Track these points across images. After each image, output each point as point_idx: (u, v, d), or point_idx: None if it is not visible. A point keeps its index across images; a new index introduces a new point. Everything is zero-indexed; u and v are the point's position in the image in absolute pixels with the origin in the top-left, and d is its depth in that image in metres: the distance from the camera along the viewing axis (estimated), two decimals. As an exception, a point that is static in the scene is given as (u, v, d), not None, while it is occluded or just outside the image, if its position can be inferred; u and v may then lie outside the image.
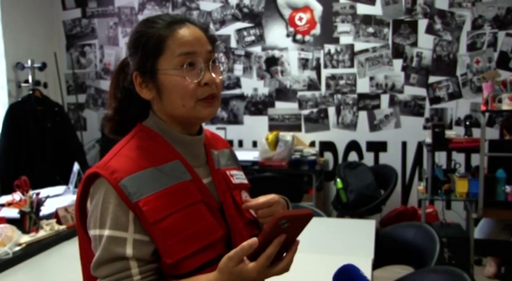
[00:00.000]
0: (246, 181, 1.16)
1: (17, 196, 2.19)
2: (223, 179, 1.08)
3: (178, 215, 0.93)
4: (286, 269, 0.90)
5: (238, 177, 1.13)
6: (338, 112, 4.57)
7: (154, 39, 0.97)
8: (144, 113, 1.05)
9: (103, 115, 1.11)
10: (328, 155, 4.65)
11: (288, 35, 4.61)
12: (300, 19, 4.57)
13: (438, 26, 4.30)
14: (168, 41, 0.97)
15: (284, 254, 0.90)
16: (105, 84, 5.02)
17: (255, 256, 0.86)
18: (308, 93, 4.62)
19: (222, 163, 1.12)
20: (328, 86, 4.57)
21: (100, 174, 0.93)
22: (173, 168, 0.99)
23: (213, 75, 0.99)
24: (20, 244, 1.96)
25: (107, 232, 0.91)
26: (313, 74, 4.59)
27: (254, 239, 0.85)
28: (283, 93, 4.67)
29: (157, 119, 1.03)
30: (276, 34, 4.63)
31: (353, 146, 4.58)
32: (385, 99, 4.46)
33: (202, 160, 1.08)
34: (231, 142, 4.76)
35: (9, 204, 2.23)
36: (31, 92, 4.27)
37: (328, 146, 4.64)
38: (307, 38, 4.57)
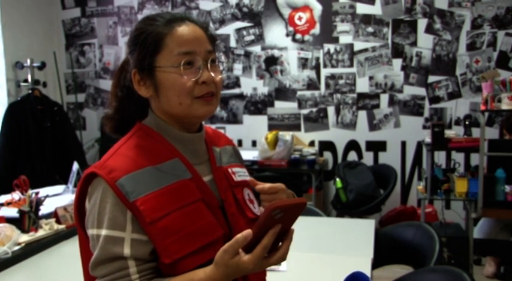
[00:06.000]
0: (248, 178, 1.14)
1: (16, 195, 2.19)
2: (225, 177, 1.07)
3: (176, 214, 0.92)
4: (282, 258, 0.90)
5: (241, 174, 1.12)
6: (337, 112, 4.57)
7: (153, 36, 0.96)
8: (144, 111, 1.05)
9: (103, 114, 1.11)
10: (327, 155, 4.65)
11: (287, 35, 4.61)
12: (300, 18, 4.57)
13: (438, 25, 4.30)
14: (167, 39, 0.96)
15: (280, 244, 0.90)
16: (105, 84, 5.02)
17: (251, 247, 0.86)
18: (307, 93, 4.61)
19: (224, 160, 1.11)
20: (327, 85, 4.57)
21: (97, 173, 0.93)
22: (172, 166, 0.98)
23: (212, 74, 0.99)
24: (19, 244, 1.96)
25: (104, 232, 0.90)
26: (312, 74, 4.59)
27: (248, 231, 0.85)
28: (282, 92, 4.67)
29: (156, 118, 1.02)
30: (276, 33, 4.63)
31: (352, 145, 4.58)
32: (384, 98, 4.46)
33: (203, 157, 1.07)
34: (230, 142, 4.75)
35: (9, 203, 2.22)
36: (30, 92, 4.27)
37: (327, 145, 4.64)
38: (306, 37, 4.57)
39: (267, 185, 1.06)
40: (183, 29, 0.98)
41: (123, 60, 1.08)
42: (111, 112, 1.08)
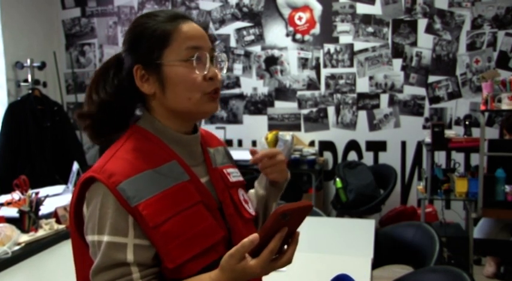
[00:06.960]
0: (241, 178, 1.15)
1: (16, 195, 2.18)
2: (221, 178, 1.07)
3: (178, 218, 0.91)
4: (289, 261, 0.90)
5: (235, 175, 1.12)
6: (337, 112, 4.57)
7: (160, 31, 0.95)
8: (130, 115, 1.04)
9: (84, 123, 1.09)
10: (327, 155, 4.65)
11: (287, 35, 4.61)
12: (300, 18, 4.57)
13: (438, 25, 4.30)
14: (174, 34, 0.95)
15: (285, 247, 0.90)
16: (105, 84, 5.02)
17: (257, 252, 0.85)
18: (307, 93, 4.61)
19: (218, 161, 1.11)
20: (327, 85, 4.57)
21: (97, 178, 0.90)
22: (171, 169, 0.96)
23: (217, 70, 0.99)
24: (19, 244, 1.96)
25: (106, 238, 0.88)
26: (312, 74, 4.59)
27: (255, 235, 0.84)
28: (282, 92, 4.67)
29: (152, 119, 1.00)
30: (276, 33, 4.63)
31: (352, 145, 4.58)
32: (384, 98, 4.46)
33: (199, 158, 1.06)
34: (230, 142, 4.76)
35: (9, 203, 2.22)
36: (30, 91, 4.27)
37: (327, 145, 4.64)
38: (306, 37, 4.57)
39: (259, 154, 1.09)
40: (189, 25, 0.98)
41: (106, 62, 1.05)
42: (95, 117, 1.03)
